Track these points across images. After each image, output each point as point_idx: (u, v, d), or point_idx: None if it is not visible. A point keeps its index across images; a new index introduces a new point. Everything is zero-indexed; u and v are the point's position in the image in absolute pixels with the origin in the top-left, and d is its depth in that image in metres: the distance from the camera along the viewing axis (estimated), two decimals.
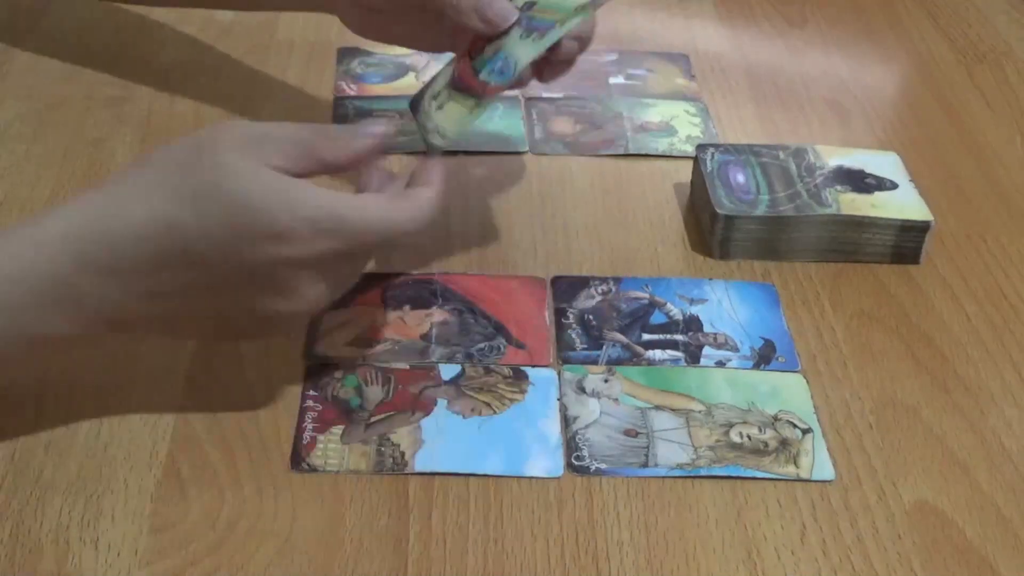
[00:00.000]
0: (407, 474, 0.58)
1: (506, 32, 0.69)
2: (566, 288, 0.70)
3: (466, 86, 0.68)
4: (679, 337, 0.67)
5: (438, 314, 0.67)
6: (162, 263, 0.54)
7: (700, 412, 0.62)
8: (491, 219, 0.76)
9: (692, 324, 0.68)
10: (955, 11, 1.04)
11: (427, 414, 0.61)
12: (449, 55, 0.93)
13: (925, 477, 0.59)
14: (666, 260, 0.73)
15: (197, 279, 0.54)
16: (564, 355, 0.65)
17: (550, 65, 0.70)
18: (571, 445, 0.60)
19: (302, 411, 0.61)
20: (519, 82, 0.70)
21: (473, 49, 0.70)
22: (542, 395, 0.63)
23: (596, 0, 0.68)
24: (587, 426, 0.61)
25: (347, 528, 0.55)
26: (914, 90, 0.95)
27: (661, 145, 0.83)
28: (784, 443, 0.60)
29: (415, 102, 0.71)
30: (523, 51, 0.68)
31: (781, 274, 0.72)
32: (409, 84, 0.89)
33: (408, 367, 0.64)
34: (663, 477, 0.58)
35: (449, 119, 0.68)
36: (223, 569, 0.53)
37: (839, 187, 0.74)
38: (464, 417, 0.61)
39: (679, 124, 0.86)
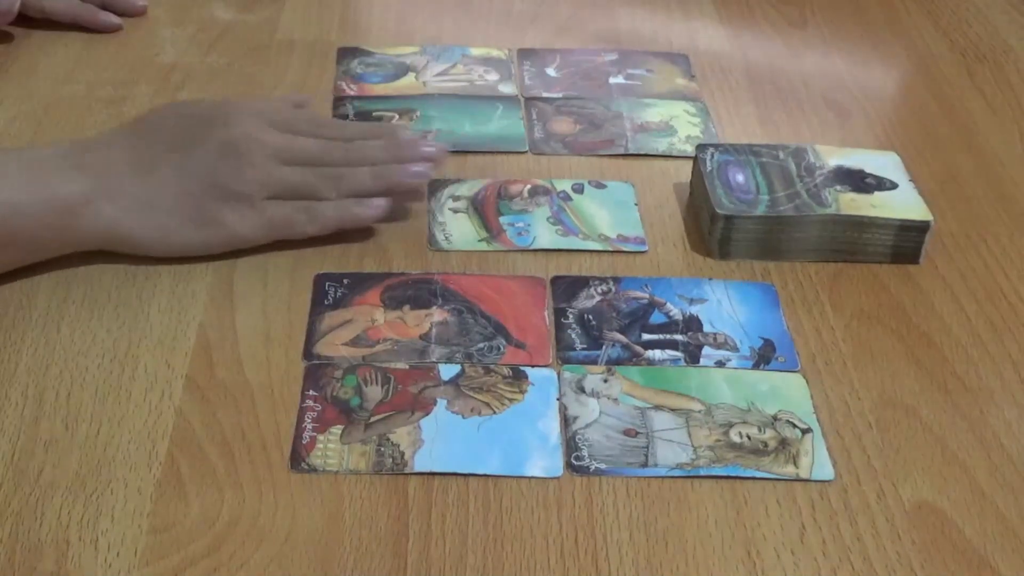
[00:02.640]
0: (407, 474, 0.58)
1: (539, 203, 0.75)
2: (566, 288, 0.70)
3: (485, 215, 0.74)
4: (679, 337, 0.67)
5: (438, 314, 0.67)
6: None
7: (700, 412, 0.62)
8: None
9: (692, 324, 0.68)
10: (955, 11, 1.04)
11: (427, 414, 0.61)
12: (455, 53, 0.94)
13: (925, 477, 0.59)
14: (666, 260, 0.73)
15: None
16: (564, 355, 0.65)
17: None
18: (570, 445, 0.60)
19: (302, 411, 0.61)
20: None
21: (507, 184, 0.77)
22: (542, 395, 0.63)
23: (614, 243, 0.72)
24: (587, 426, 0.61)
25: (347, 528, 0.55)
26: (914, 90, 0.95)
27: (661, 145, 0.83)
28: (784, 443, 0.60)
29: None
30: (543, 234, 0.73)
31: (781, 274, 0.72)
32: (409, 84, 0.89)
33: (408, 367, 0.64)
34: (663, 477, 0.58)
35: (457, 227, 0.74)
36: (223, 569, 0.53)
37: (839, 187, 0.74)
38: (464, 417, 0.61)
39: (679, 124, 0.86)
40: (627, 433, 0.61)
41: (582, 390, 0.63)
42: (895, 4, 1.05)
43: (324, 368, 0.63)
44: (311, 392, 0.62)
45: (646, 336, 0.67)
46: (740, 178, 0.74)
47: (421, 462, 0.58)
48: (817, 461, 0.59)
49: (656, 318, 0.68)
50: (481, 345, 0.65)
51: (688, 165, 0.78)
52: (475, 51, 0.93)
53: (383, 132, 0.76)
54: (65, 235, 0.67)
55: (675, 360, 0.65)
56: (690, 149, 0.80)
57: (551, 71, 0.91)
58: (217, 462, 0.58)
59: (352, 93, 0.88)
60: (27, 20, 0.92)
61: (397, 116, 0.85)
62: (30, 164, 0.67)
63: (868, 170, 0.76)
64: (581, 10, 1.01)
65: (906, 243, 0.72)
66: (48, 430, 0.59)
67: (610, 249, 0.73)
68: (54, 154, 0.68)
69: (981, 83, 0.93)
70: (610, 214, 0.76)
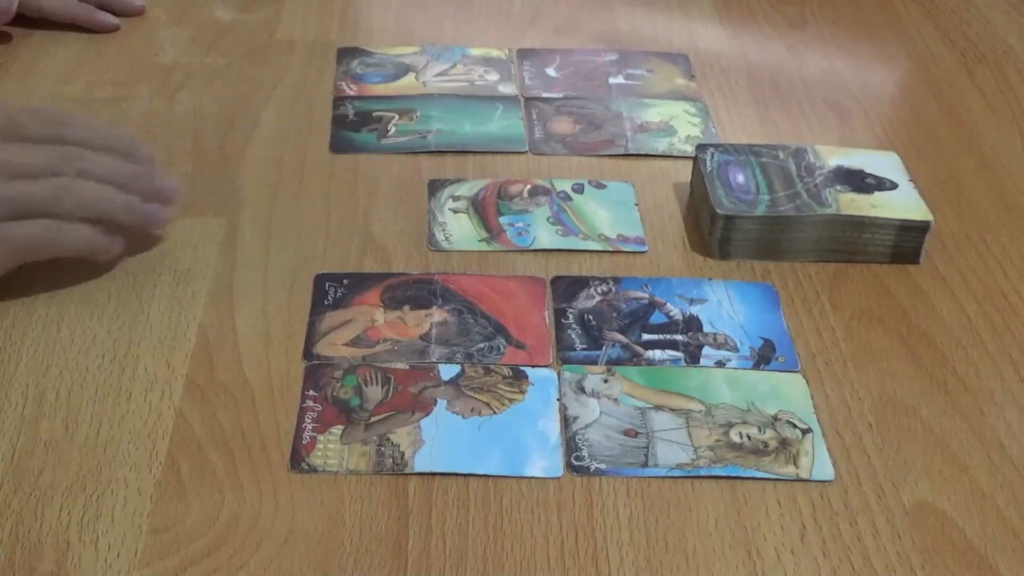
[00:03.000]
0: (407, 474, 0.58)
1: (539, 203, 0.75)
2: (566, 288, 0.70)
3: (485, 216, 0.74)
4: (679, 337, 0.67)
5: (438, 314, 0.67)
6: None
7: (700, 412, 0.62)
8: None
9: (692, 324, 0.68)
10: (955, 11, 1.04)
11: (427, 414, 0.61)
12: (455, 53, 0.94)
13: (925, 477, 0.59)
14: (666, 260, 0.73)
15: None
16: (564, 355, 0.65)
17: None
18: (571, 445, 0.60)
19: (302, 411, 0.61)
20: None
21: (507, 185, 0.76)
22: (542, 395, 0.63)
23: (614, 243, 0.72)
24: (587, 426, 0.61)
25: (347, 528, 0.55)
26: (914, 90, 0.95)
27: (661, 145, 0.83)
28: (784, 443, 0.60)
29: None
30: (543, 234, 0.73)
31: (781, 274, 0.72)
32: (409, 84, 0.89)
33: (408, 367, 0.64)
34: (663, 477, 0.58)
35: (458, 228, 0.74)
36: (223, 569, 0.53)
37: (839, 187, 0.74)
38: (464, 417, 0.61)
39: (679, 124, 0.86)
40: (627, 433, 0.61)
41: (582, 390, 0.63)
42: (895, 4, 1.05)
43: (324, 368, 0.63)
44: (311, 392, 0.62)
45: (646, 336, 0.67)
46: (740, 178, 0.74)
47: (421, 462, 0.58)
48: (817, 461, 0.59)
49: (656, 318, 0.68)
50: (481, 345, 0.65)
51: (688, 165, 0.78)
52: (475, 51, 0.93)
53: (122, 145, 0.70)
54: None
55: (675, 360, 0.65)
56: (690, 149, 0.80)
57: (551, 71, 0.91)
58: (217, 462, 0.58)
59: (352, 93, 0.87)
60: (26, 20, 0.92)
61: (397, 116, 0.85)
62: None
63: (868, 170, 0.76)
64: (581, 10, 1.01)
65: (906, 243, 0.72)
66: (48, 430, 0.59)
67: (610, 249, 0.73)
68: None
69: (981, 83, 0.93)
70: (610, 214, 0.76)
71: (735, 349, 0.66)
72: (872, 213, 0.72)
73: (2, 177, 0.64)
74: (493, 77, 0.90)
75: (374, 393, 0.62)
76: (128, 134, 0.72)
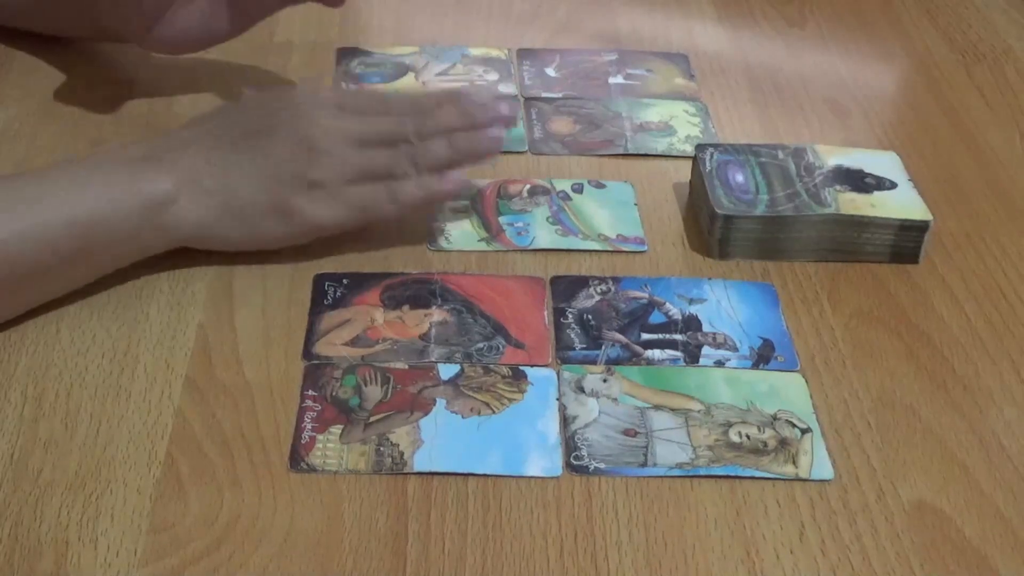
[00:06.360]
0: (406, 474, 0.58)
1: (539, 203, 0.75)
2: (565, 288, 0.70)
3: (485, 215, 0.74)
4: (678, 337, 0.67)
5: (437, 314, 0.67)
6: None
7: (699, 412, 0.62)
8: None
9: (691, 324, 0.68)
10: (955, 11, 1.04)
11: (426, 414, 0.61)
12: (455, 53, 0.93)
13: (924, 477, 0.59)
14: (665, 260, 0.73)
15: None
16: (563, 355, 0.65)
17: None
18: (570, 445, 0.60)
19: (301, 411, 0.61)
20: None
21: (506, 184, 0.77)
22: (541, 395, 0.63)
23: (613, 243, 0.72)
24: (586, 426, 0.61)
25: (346, 528, 0.55)
26: (914, 90, 0.95)
27: (660, 145, 0.83)
28: (783, 443, 0.60)
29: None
30: (543, 234, 0.73)
31: (780, 274, 0.72)
32: (409, 84, 0.89)
33: (407, 367, 0.64)
34: (662, 477, 0.58)
35: (457, 227, 0.74)
36: (222, 569, 0.53)
37: (838, 187, 0.74)
38: (463, 417, 0.61)
39: (678, 124, 0.86)
40: (626, 433, 0.61)
41: (581, 390, 0.63)
42: (895, 4, 1.05)
43: (323, 368, 0.63)
44: (310, 392, 0.62)
45: (645, 336, 0.67)
46: (740, 178, 0.74)
47: (420, 462, 0.58)
48: (816, 461, 0.59)
49: (655, 318, 0.68)
50: (480, 345, 0.65)
51: (688, 165, 0.78)
52: (475, 51, 0.93)
53: (453, 98, 0.73)
54: (146, 242, 0.67)
55: (674, 360, 0.65)
56: (690, 149, 0.80)
57: (551, 71, 0.91)
58: (216, 462, 0.58)
59: None
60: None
61: None
62: (110, 172, 0.66)
63: (867, 170, 0.76)
64: (581, 10, 1.01)
65: (905, 243, 0.72)
66: (48, 430, 0.59)
67: (610, 249, 0.73)
68: (132, 157, 0.67)
69: (980, 83, 0.93)
70: (610, 214, 0.76)
71: (734, 349, 0.66)
72: (871, 213, 0.72)
73: (352, 145, 0.69)
74: (493, 77, 0.90)
75: (373, 393, 0.62)
76: (457, 90, 0.79)
